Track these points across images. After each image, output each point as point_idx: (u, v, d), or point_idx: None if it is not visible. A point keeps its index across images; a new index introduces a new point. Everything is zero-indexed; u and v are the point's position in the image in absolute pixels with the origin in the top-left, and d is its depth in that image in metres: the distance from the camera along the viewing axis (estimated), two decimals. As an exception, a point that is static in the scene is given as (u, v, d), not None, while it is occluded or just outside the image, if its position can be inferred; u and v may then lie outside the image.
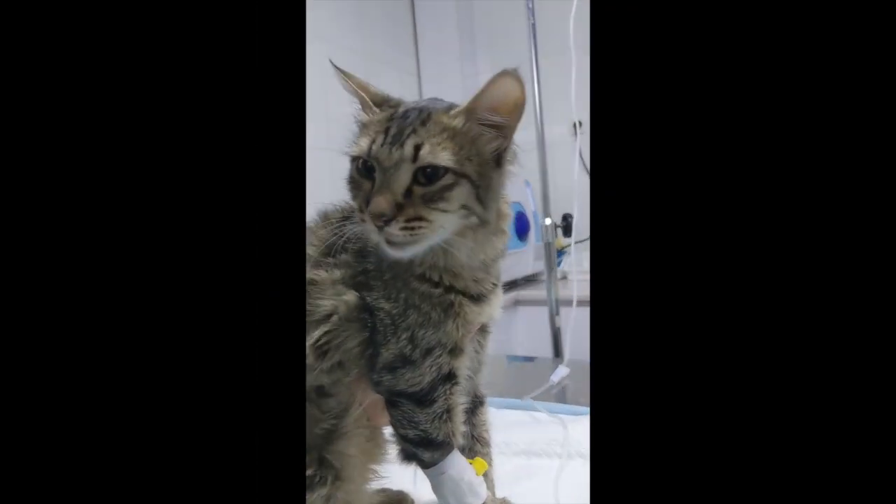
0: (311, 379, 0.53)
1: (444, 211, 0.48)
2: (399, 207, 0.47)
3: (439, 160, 0.47)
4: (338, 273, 0.54)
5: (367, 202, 0.48)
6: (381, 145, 0.48)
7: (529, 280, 2.14)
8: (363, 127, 0.53)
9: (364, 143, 0.50)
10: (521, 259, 2.01)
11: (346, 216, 0.58)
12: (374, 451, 0.59)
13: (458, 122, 0.49)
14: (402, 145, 0.48)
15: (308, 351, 0.52)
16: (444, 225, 0.48)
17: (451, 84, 2.38)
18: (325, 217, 0.59)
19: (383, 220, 0.46)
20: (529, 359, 1.51)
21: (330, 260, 0.55)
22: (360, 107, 0.55)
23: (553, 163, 1.71)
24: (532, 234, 2.02)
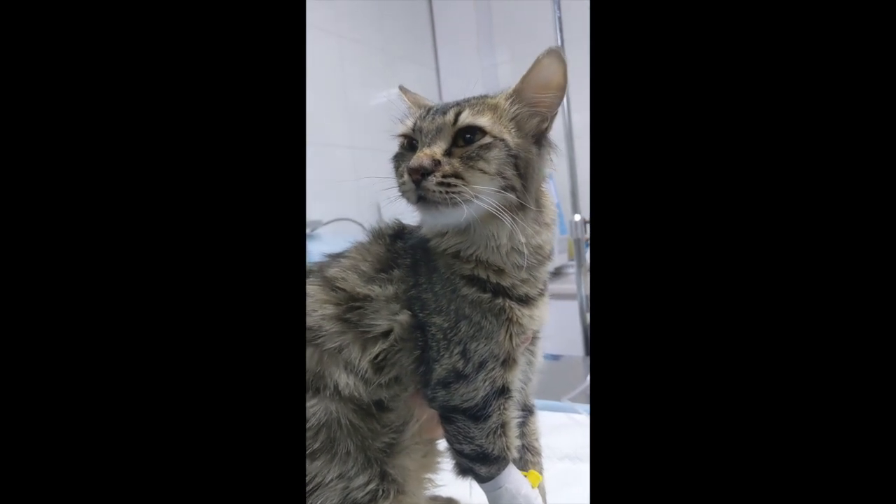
0: (370, 393, 0.54)
1: (482, 171, 0.50)
2: (437, 164, 0.49)
3: (477, 122, 0.51)
4: (391, 289, 0.55)
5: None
6: (424, 118, 0.53)
7: (555, 274, 2.14)
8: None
9: (409, 122, 0.55)
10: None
11: (398, 233, 0.59)
12: (430, 462, 0.61)
13: (499, 101, 0.54)
14: (444, 114, 0.52)
15: (367, 365, 0.53)
16: (481, 191, 0.49)
17: (470, 77, 2.36)
18: (377, 234, 0.60)
19: (420, 174, 0.49)
20: (556, 356, 1.50)
21: (383, 276, 0.56)
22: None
23: (580, 153, 1.68)
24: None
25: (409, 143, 0.54)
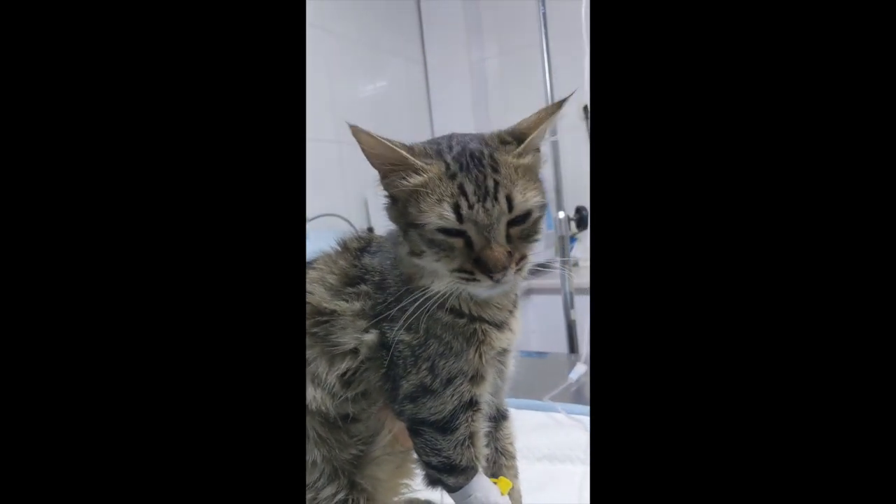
0: (337, 407, 0.54)
1: (537, 241, 0.51)
2: (510, 255, 0.49)
3: (533, 203, 0.49)
4: (357, 305, 0.55)
5: (477, 261, 0.48)
6: (471, 207, 0.47)
7: (540, 268, 2.14)
8: (423, 193, 0.49)
9: (445, 211, 0.47)
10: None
11: (363, 247, 0.58)
12: (405, 468, 0.61)
13: (525, 161, 0.51)
14: (496, 199, 0.47)
15: (334, 380, 0.54)
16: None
17: (458, 71, 2.34)
18: (344, 246, 0.60)
19: (504, 272, 0.48)
20: (542, 354, 1.51)
21: (350, 290, 0.56)
22: (390, 167, 0.50)
23: (563, 151, 1.68)
24: (542, 221, 2.01)
25: (451, 232, 0.48)
